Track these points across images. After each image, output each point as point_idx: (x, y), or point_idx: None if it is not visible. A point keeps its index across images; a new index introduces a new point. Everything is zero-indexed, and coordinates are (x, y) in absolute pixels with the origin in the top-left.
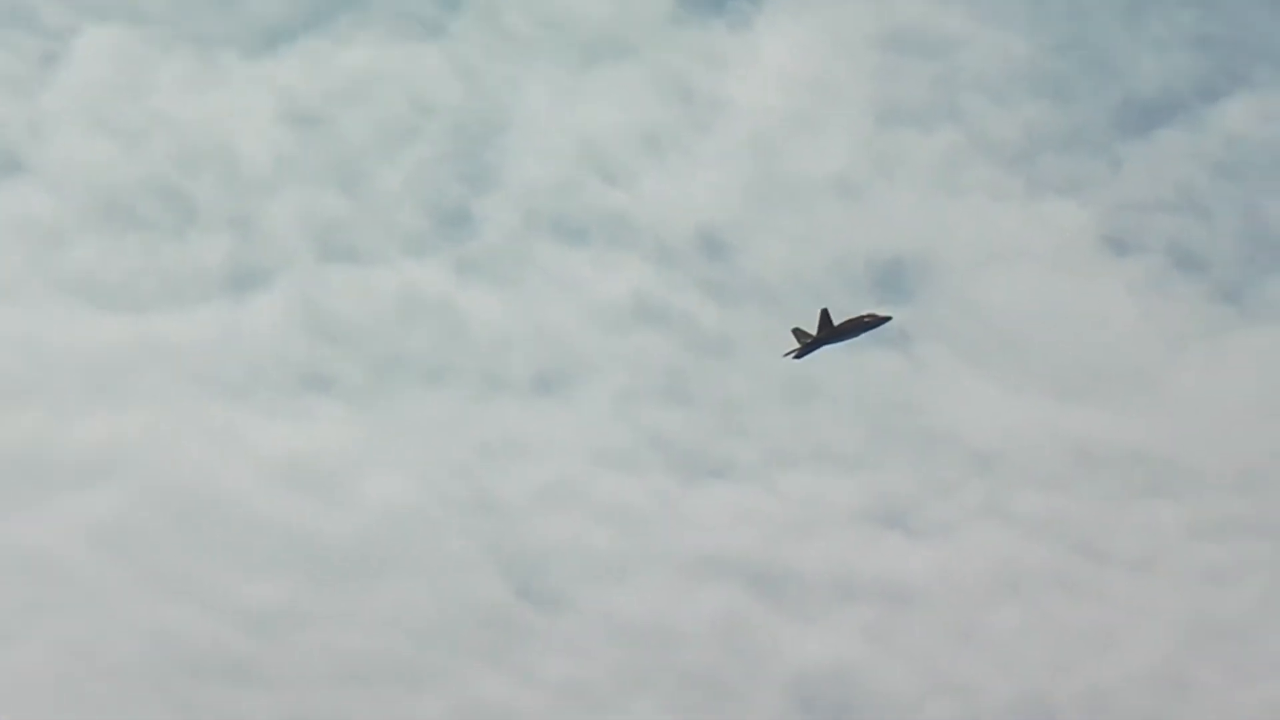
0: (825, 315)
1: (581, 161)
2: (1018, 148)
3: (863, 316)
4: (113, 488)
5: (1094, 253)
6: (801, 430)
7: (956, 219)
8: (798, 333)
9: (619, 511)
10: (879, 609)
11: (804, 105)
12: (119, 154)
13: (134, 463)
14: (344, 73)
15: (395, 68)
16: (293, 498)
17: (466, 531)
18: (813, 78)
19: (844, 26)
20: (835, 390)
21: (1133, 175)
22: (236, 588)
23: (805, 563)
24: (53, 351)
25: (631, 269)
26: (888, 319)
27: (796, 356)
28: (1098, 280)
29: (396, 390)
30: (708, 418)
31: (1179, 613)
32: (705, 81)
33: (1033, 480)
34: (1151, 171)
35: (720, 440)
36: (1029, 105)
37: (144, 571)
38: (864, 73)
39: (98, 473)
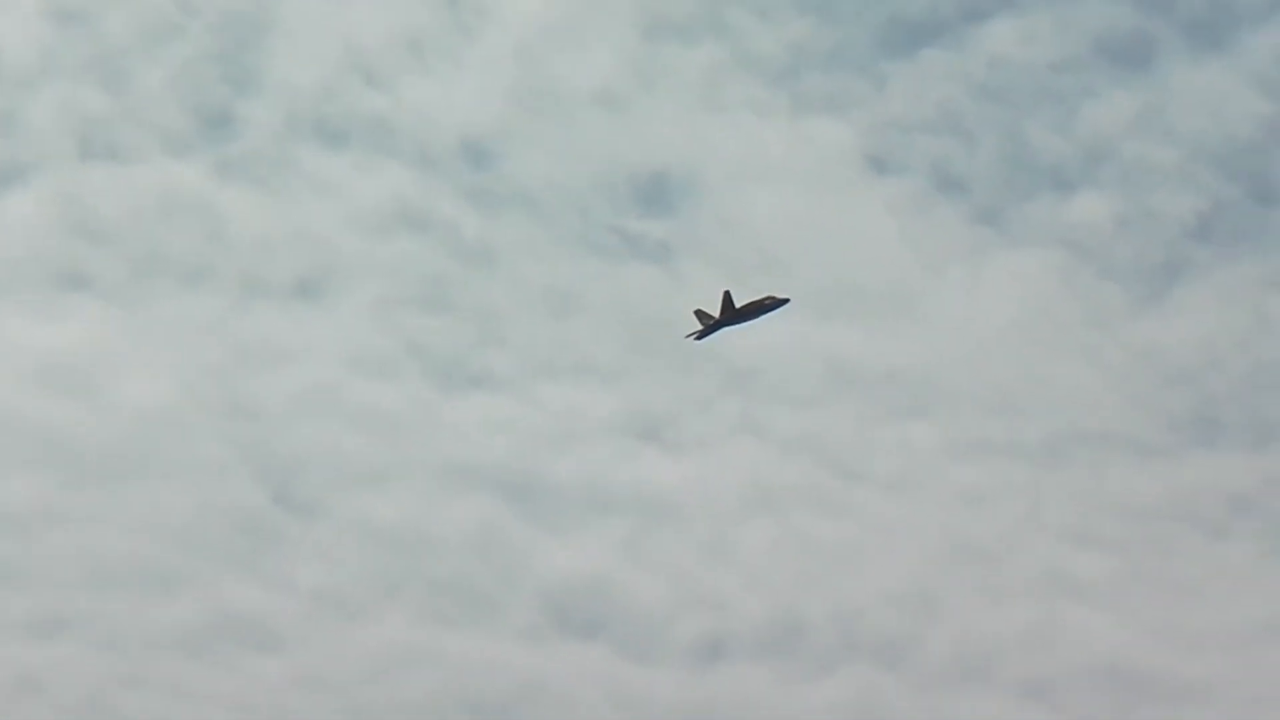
0: (727, 297)
1: (345, 65)
2: (782, 64)
3: (763, 300)
4: None
5: (856, 172)
6: (561, 341)
7: (719, 135)
8: (700, 314)
9: (376, 418)
10: (634, 522)
11: (569, 15)
12: None
13: None
14: None
15: None
16: (48, 397)
17: (222, 435)
18: None
19: None
20: (596, 302)
21: (896, 95)
22: None
23: (561, 474)
24: None
25: (393, 174)
26: (786, 301)
27: (698, 338)
28: (859, 199)
29: (155, 291)
30: (467, 326)
31: (932, 533)
32: None
33: (789, 398)
34: (915, 91)
35: (479, 349)
36: (794, 22)
37: None
38: None
39: None
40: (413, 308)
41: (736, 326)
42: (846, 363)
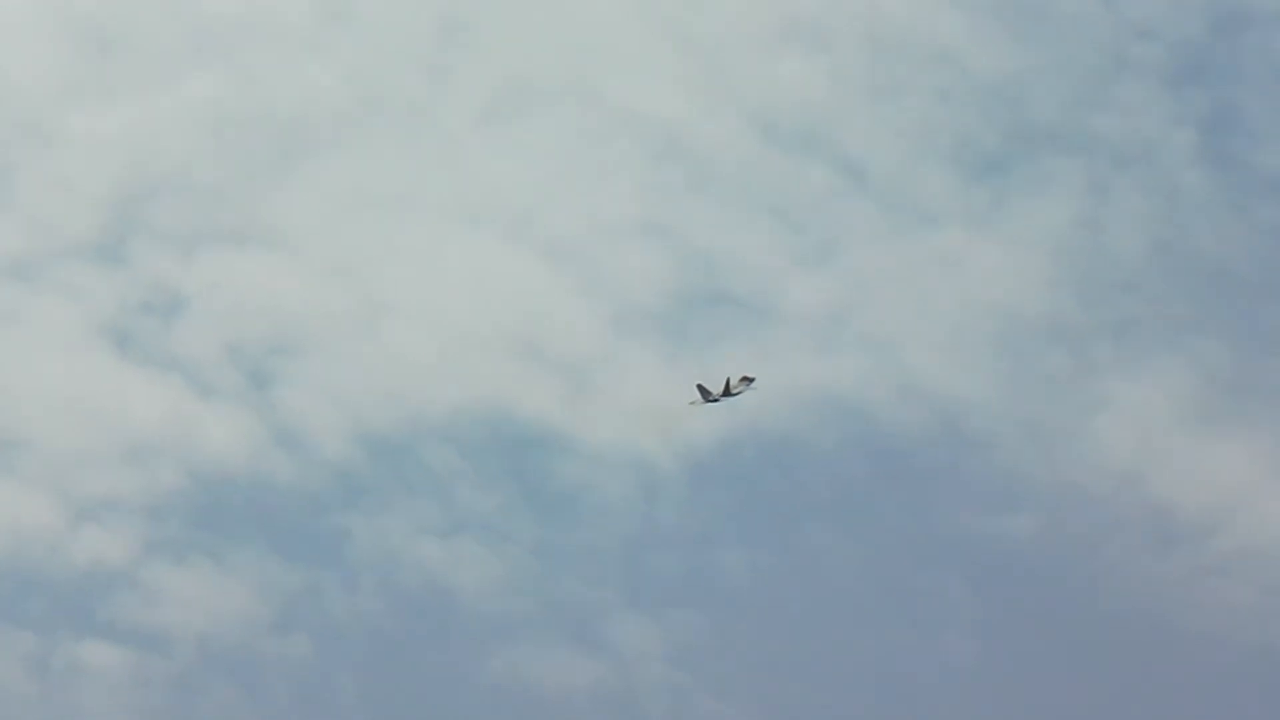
0: (728, 383)
1: None
2: None
3: (743, 380)
4: None
5: None
6: None
7: None
8: (701, 389)
9: None
10: None
11: None
12: None
13: None
14: None
15: None
16: None
17: None
18: None
19: None
20: None
21: None
22: None
23: None
24: None
25: None
26: (754, 379)
27: (693, 403)
28: None
29: None
30: None
31: None
32: None
33: None
34: None
35: None
36: None
37: None
38: None
39: None
40: None
41: (726, 401)
42: None
